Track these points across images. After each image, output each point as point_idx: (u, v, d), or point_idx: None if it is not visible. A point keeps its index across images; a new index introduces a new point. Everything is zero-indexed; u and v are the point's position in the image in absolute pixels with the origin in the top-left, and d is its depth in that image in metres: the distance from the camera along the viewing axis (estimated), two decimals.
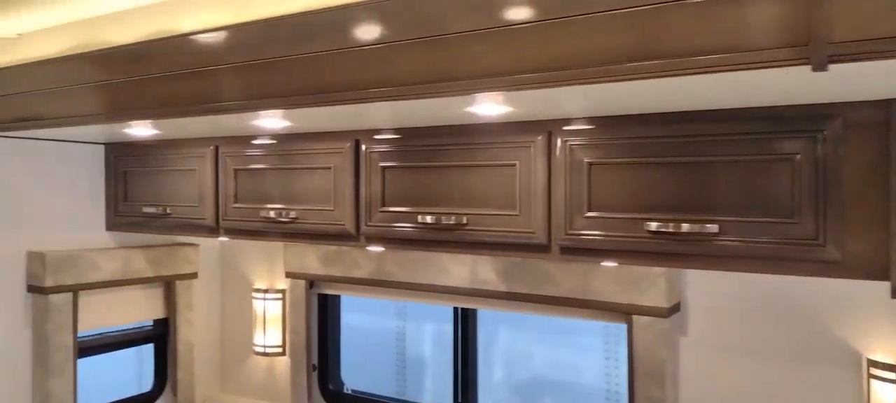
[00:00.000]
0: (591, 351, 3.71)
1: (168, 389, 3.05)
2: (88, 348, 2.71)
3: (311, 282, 2.83)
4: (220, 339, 3.24)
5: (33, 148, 2.51)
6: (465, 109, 1.63)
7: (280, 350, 3.01)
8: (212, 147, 2.38)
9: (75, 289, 2.54)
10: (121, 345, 2.91)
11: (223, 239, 2.45)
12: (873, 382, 1.80)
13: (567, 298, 2.18)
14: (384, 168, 2.00)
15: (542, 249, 1.77)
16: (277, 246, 3.00)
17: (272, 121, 1.93)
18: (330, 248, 2.68)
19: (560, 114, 1.68)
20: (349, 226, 2.07)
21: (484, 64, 1.33)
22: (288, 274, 2.85)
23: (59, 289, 2.48)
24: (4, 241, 2.44)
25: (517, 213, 1.79)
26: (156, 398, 3.01)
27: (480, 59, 1.33)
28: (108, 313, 2.75)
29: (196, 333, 3.05)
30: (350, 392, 2.92)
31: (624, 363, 2.16)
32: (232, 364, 3.21)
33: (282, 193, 2.21)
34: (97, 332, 2.78)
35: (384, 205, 2.00)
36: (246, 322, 3.15)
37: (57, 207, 2.60)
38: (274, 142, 2.23)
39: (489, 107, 1.60)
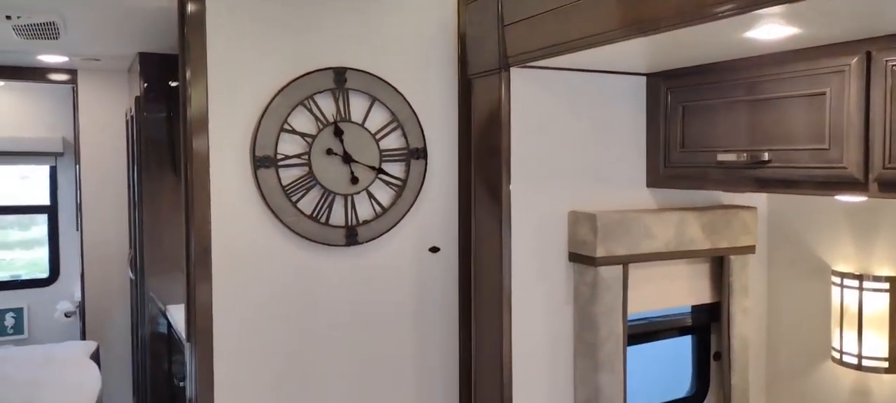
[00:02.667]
0: None
1: (713, 394, 2.35)
2: (632, 336, 2.15)
3: None
4: (777, 337, 2.41)
5: (566, 82, 2.01)
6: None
7: (884, 364, 2.03)
8: (858, 56, 1.52)
9: (626, 262, 1.97)
10: (660, 335, 2.29)
11: (860, 198, 1.59)
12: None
13: None
14: None
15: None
16: (874, 214, 2.02)
17: None
18: None
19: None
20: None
21: None
22: None
23: (609, 261, 1.94)
24: (544, 196, 1.99)
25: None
26: None
27: None
28: (653, 294, 2.15)
29: (751, 326, 2.28)
30: None
31: None
32: (796, 372, 2.35)
33: None
34: (639, 317, 2.21)
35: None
36: (817, 317, 2.25)
37: (594, 157, 2.07)
38: None
39: None
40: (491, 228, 1.99)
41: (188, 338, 1.86)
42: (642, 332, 2.22)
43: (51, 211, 5.12)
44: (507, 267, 1.94)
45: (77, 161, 4.29)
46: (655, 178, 2.11)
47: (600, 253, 1.92)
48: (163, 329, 3.51)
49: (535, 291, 2.00)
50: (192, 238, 1.83)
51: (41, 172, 5.13)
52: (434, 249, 2.15)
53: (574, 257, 2.01)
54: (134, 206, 3.72)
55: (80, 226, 4.28)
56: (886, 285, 2.01)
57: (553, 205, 2.01)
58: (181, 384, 3.04)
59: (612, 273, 1.94)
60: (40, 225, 5.29)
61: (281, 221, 1.90)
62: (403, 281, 2.10)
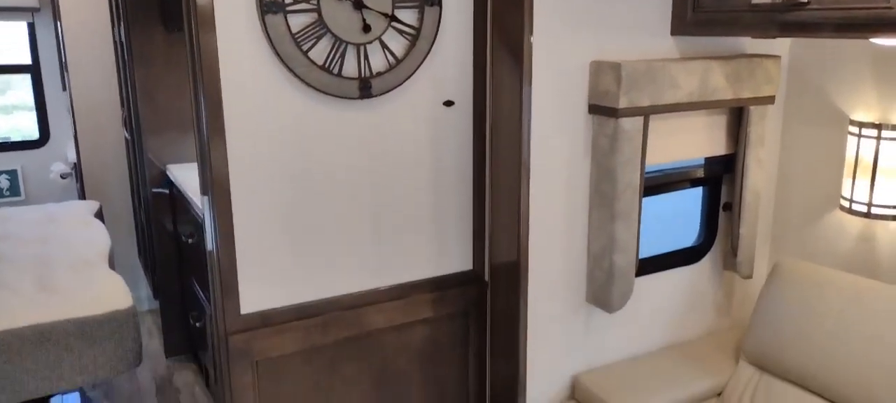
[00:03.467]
0: None
1: (719, 244, 2.40)
2: (647, 188, 2.16)
3: None
4: (787, 187, 2.43)
5: None
6: None
7: (894, 212, 2.07)
8: None
9: (648, 113, 1.93)
10: (673, 186, 2.30)
11: None
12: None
13: None
14: None
15: None
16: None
17: None
18: None
19: None
20: None
21: None
22: None
23: (632, 112, 1.89)
24: (565, 47, 1.92)
25: None
26: (704, 253, 2.39)
27: None
28: (670, 146, 2.13)
29: (763, 177, 2.29)
30: None
31: None
32: (803, 221, 2.39)
33: None
34: (654, 169, 2.20)
35: None
36: (828, 166, 2.26)
37: (618, 3, 1.97)
38: None
39: None
40: (509, 82, 1.93)
41: (205, 191, 1.83)
42: (657, 184, 2.23)
43: (33, 71, 4.93)
44: (526, 122, 1.90)
45: (57, 17, 4.07)
46: (681, 25, 2.03)
47: (623, 104, 1.87)
48: (164, 188, 3.49)
49: (554, 145, 1.97)
50: (201, 93, 1.76)
51: (18, 30, 4.89)
52: (448, 103, 2.09)
53: (594, 109, 1.97)
54: (124, 65, 3.57)
55: (67, 87, 4.14)
56: None
57: (574, 57, 1.94)
58: (190, 240, 3.06)
59: (633, 124, 1.91)
60: (17, 89, 5.12)
61: (292, 72, 1.82)
62: (419, 135, 2.06)
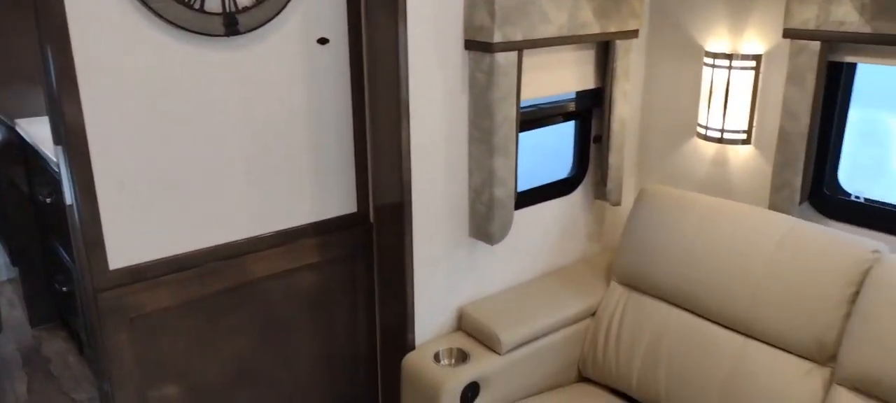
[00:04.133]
0: None
1: (591, 175, 2.53)
2: (522, 123, 2.22)
3: (826, 46, 1.94)
4: (650, 117, 2.58)
5: None
6: None
7: (743, 136, 2.26)
8: None
9: (521, 47, 1.97)
10: (547, 121, 2.38)
11: None
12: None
13: None
14: None
15: None
16: None
17: None
18: None
19: None
20: None
21: None
22: (789, 33, 1.99)
23: (506, 46, 1.93)
24: None
25: None
26: (577, 184, 2.52)
27: None
28: (543, 81, 2.20)
29: (628, 109, 2.42)
30: (860, 200, 2.11)
31: None
32: (665, 149, 2.56)
33: None
34: (529, 104, 2.26)
35: None
36: (687, 97, 2.43)
37: None
38: None
39: None
40: (384, 19, 1.90)
41: (57, 141, 1.69)
42: (532, 118, 2.30)
43: None
44: (403, 60, 1.88)
45: None
46: None
47: (498, 38, 1.90)
48: (13, 147, 3.19)
49: (432, 83, 1.97)
50: (46, 35, 1.60)
51: None
52: (323, 40, 2.03)
53: (470, 45, 1.98)
54: None
55: None
56: (753, 63, 2.17)
57: None
58: (48, 200, 2.83)
59: (507, 59, 1.95)
60: None
61: (148, 7, 1.69)
62: (293, 75, 1.99)
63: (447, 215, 2.14)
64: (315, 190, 2.14)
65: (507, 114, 2.00)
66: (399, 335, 2.18)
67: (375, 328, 2.40)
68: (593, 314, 2.34)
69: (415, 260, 2.09)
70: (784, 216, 2.02)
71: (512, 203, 2.13)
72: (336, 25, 2.04)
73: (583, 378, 2.37)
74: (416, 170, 2.01)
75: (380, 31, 1.93)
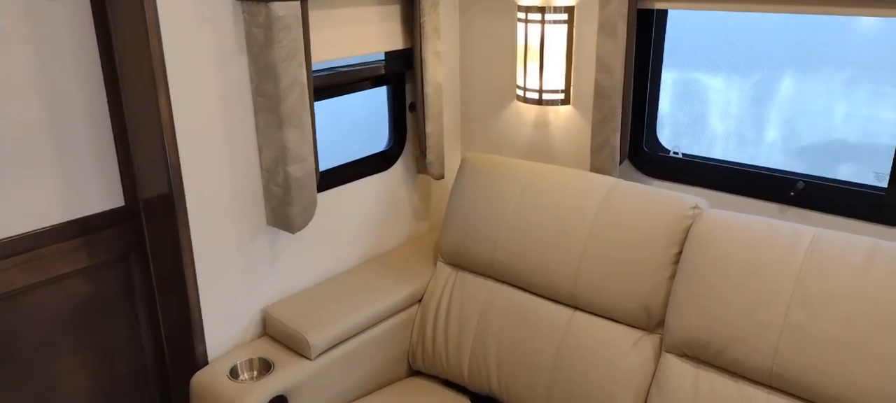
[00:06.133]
0: None
1: (410, 146, 2.29)
2: (321, 89, 1.92)
3: None
4: (469, 80, 2.38)
5: None
6: None
7: (561, 96, 2.12)
8: None
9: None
10: (353, 87, 2.10)
11: None
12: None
13: None
14: None
15: None
16: None
17: None
18: None
19: None
20: None
21: None
22: None
23: None
24: None
25: None
26: (396, 157, 2.26)
27: None
28: (339, 39, 1.91)
29: (444, 71, 2.20)
30: (679, 155, 2.02)
31: None
32: (486, 115, 2.37)
33: None
34: (326, 66, 1.97)
35: None
36: (504, 56, 2.25)
37: None
38: None
39: None
40: None
41: None
42: (332, 84, 2.01)
43: None
44: (150, 11, 1.51)
45: None
46: None
47: None
48: None
49: (196, 41, 1.62)
50: None
51: None
52: None
53: None
54: None
55: None
56: (565, 15, 2.02)
57: None
58: None
59: (288, 10, 1.64)
60: None
61: None
62: (11, 35, 1.56)
63: (235, 201, 1.80)
64: (64, 182, 1.72)
65: (295, 77, 1.70)
66: (185, 348, 1.82)
67: (162, 341, 2.01)
68: (420, 300, 2.12)
69: (196, 259, 1.74)
70: (604, 177, 1.89)
71: (313, 182, 1.84)
72: None
73: (414, 372, 2.14)
74: (186, 148, 1.65)
75: None
